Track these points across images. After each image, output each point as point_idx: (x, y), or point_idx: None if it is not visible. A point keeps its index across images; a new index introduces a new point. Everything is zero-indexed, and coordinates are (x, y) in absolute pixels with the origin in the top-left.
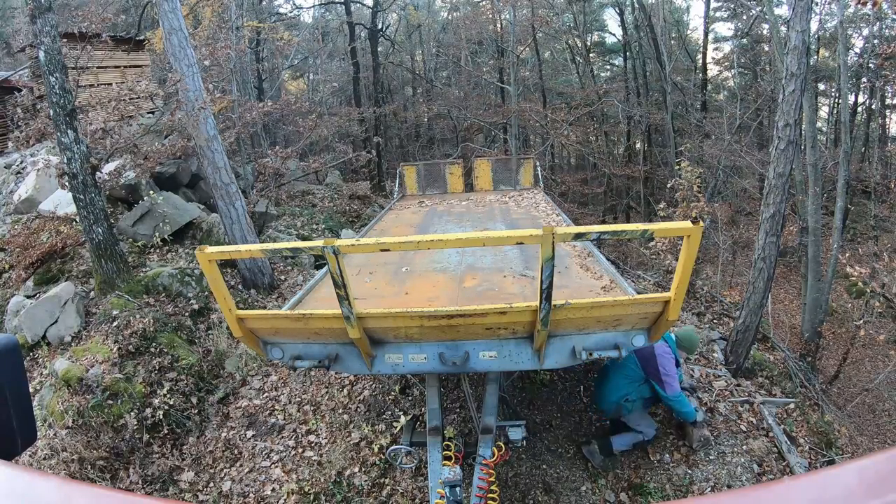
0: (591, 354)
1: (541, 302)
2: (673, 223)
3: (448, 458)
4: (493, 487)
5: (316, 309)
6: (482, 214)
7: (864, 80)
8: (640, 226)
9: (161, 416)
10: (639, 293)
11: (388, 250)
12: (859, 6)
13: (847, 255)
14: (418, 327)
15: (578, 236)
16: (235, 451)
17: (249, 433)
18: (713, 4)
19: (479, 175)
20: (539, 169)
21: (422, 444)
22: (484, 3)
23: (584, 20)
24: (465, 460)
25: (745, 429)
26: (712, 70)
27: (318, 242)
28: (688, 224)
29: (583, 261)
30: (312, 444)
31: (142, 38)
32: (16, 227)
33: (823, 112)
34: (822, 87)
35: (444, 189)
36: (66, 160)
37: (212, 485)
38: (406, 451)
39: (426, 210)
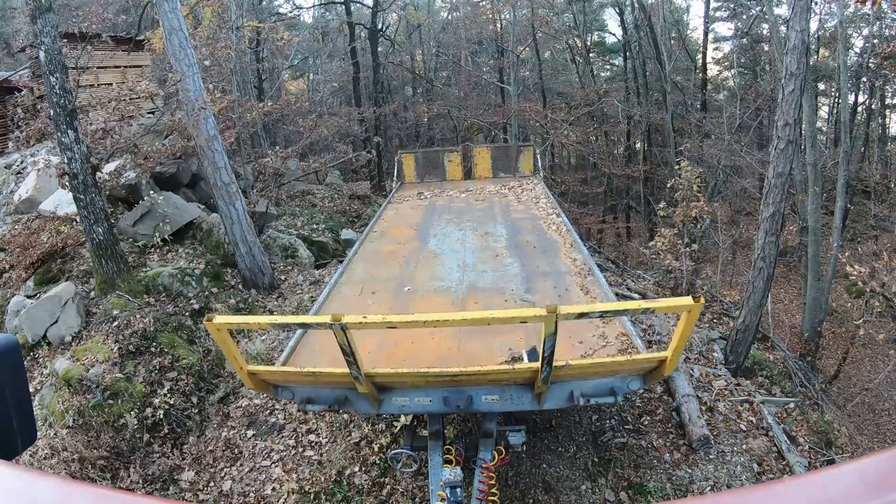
0: (588, 400)
1: (542, 366)
2: (675, 300)
3: (448, 462)
4: (493, 490)
5: (325, 367)
6: (482, 213)
7: (864, 79)
8: (642, 304)
9: (161, 416)
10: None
11: (394, 327)
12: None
13: (847, 254)
14: (424, 381)
15: (582, 315)
16: (236, 451)
17: (250, 433)
18: (713, 4)
19: (478, 162)
20: (538, 156)
21: (422, 448)
22: (484, 3)
23: (584, 20)
24: (465, 463)
25: (744, 428)
26: (712, 70)
27: (326, 318)
28: (689, 301)
29: (583, 280)
30: (312, 444)
31: (142, 38)
32: (16, 227)
33: (823, 112)
34: (822, 87)
35: (442, 177)
36: (66, 160)
37: (212, 484)
38: (407, 455)
39: (425, 205)
